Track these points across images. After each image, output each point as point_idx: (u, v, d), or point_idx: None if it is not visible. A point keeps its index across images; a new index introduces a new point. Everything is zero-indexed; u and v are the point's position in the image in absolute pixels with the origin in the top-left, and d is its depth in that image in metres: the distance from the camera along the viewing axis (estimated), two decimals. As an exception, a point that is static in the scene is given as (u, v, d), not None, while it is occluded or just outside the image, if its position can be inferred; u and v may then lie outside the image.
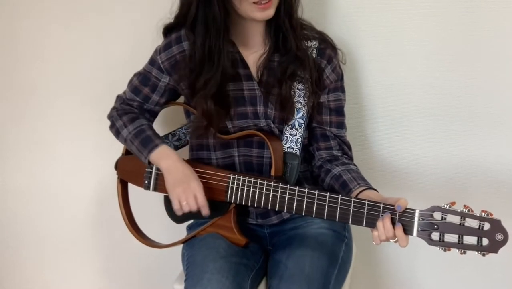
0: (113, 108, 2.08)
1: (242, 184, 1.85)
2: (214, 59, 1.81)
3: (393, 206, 1.63)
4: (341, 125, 1.99)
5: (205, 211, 1.85)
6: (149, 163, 1.94)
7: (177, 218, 2.01)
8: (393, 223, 1.63)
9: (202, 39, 1.80)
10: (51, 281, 2.86)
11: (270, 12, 1.77)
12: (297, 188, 1.77)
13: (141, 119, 1.99)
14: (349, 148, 2.02)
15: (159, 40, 1.99)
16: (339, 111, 1.98)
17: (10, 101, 2.62)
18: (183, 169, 1.88)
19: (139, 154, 1.94)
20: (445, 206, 1.56)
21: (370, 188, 1.81)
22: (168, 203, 2.01)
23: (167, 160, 1.90)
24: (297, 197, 1.76)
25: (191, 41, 1.85)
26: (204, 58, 1.82)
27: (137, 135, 1.94)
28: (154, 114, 2.09)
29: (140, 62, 2.04)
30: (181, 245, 2.05)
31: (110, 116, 2.07)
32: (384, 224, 1.63)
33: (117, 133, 2.03)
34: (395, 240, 1.64)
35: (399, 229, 1.61)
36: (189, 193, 1.84)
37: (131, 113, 2.01)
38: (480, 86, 2.10)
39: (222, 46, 1.80)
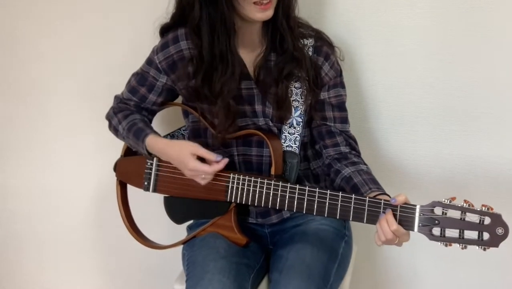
0: (111, 108, 2.09)
1: (242, 183, 1.85)
2: (228, 60, 1.81)
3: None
4: (345, 120, 1.98)
5: (221, 166, 1.83)
6: (150, 153, 1.94)
7: (177, 219, 2.03)
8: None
9: (210, 40, 1.79)
10: (50, 282, 2.85)
11: (269, 13, 1.77)
12: (297, 186, 1.76)
13: (135, 114, 2.00)
14: (356, 142, 2.01)
15: (157, 40, 1.99)
16: (341, 107, 1.98)
17: (10, 101, 2.62)
18: (171, 158, 1.88)
19: (137, 147, 1.95)
20: (446, 201, 1.57)
21: (383, 193, 1.78)
22: (168, 203, 2.02)
23: (157, 150, 1.91)
24: (297, 195, 1.76)
25: (195, 43, 1.84)
26: (214, 60, 1.81)
27: (130, 129, 1.95)
28: (152, 113, 2.08)
29: (139, 63, 2.04)
30: (181, 245, 2.04)
31: (107, 116, 2.08)
32: (381, 224, 1.64)
33: (115, 131, 2.04)
34: (397, 240, 1.64)
35: (389, 215, 1.62)
36: (196, 174, 1.84)
37: (126, 110, 2.02)
38: (480, 86, 2.10)
39: (234, 46, 1.80)
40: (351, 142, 1.99)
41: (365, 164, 1.94)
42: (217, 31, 1.78)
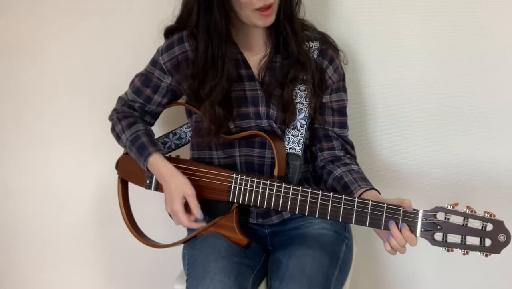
0: (114, 110, 2.09)
1: (245, 183, 1.85)
2: (218, 65, 1.82)
3: (396, 206, 1.64)
4: (344, 125, 1.99)
5: (192, 226, 1.90)
6: (148, 170, 1.94)
7: (178, 218, 2.02)
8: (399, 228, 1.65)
9: (205, 45, 1.80)
10: (51, 281, 2.86)
11: (271, 19, 1.78)
12: (300, 188, 1.76)
13: (138, 124, 1.99)
14: (352, 147, 2.03)
15: (160, 41, 2.00)
16: (342, 111, 1.99)
17: (11, 101, 2.62)
18: (165, 186, 1.89)
19: (138, 161, 1.95)
20: (448, 206, 1.57)
21: (371, 188, 1.82)
22: (169, 202, 2.02)
23: (157, 172, 1.92)
24: (300, 197, 1.76)
25: (193, 47, 1.86)
26: (207, 65, 1.83)
27: (133, 142, 1.95)
28: (155, 116, 2.09)
29: (141, 63, 2.04)
30: (181, 245, 2.05)
31: (111, 119, 2.07)
32: (394, 234, 1.65)
33: (117, 138, 2.04)
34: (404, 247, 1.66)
35: (406, 231, 1.62)
36: (174, 215, 1.89)
37: (131, 118, 2.02)
38: (480, 86, 2.10)
39: (225, 52, 1.81)
40: (347, 148, 2.01)
41: (357, 165, 1.96)
42: (211, 37, 1.79)
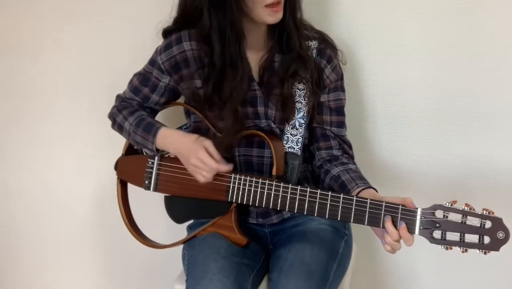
0: (113, 107, 2.09)
1: (243, 183, 1.84)
2: (238, 65, 1.81)
3: (395, 204, 1.64)
4: (342, 124, 1.99)
5: (224, 169, 1.82)
6: (157, 150, 1.93)
7: (178, 218, 2.02)
8: (395, 225, 1.64)
9: (221, 47, 1.79)
10: (51, 281, 2.86)
11: (280, 15, 1.78)
12: (299, 187, 1.76)
13: (140, 111, 2.00)
14: (350, 146, 2.03)
15: (159, 41, 2.00)
16: (340, 111, 1.98)
17: (11, 102, 2.63)
18: (183, 145, 1.86)
19: (145, 142, 1.93)
20: (447, 204, 1.57)
21: (369, 187, 1.82)
22: (168, 202, 2.02)
23: (170, 140, 1.89)
24: (298, 196, 1.76)
25: (205, 51, 1.83)
26: (225, 66, 1.81)
27: (139, 124, 1.94)
28: (154, 112, 2.09)
29: (140, 63, 2.04)
30: (181, 245, 2.04)
31: (110, 115, 2.08)
32: (387, 229, 1.64)
33: (120, 128, 2.03)
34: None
35: (403, 229, 1.62)
36: (202, 164, 1.81)
37: (131, 107, 2.02)
38: (480, 86, 2.10)
39: (243, 50, 1.81)
40: (345, 147, 2.01)
41: (355, 164, 1.96)
42: (227, 37, 1.78)
